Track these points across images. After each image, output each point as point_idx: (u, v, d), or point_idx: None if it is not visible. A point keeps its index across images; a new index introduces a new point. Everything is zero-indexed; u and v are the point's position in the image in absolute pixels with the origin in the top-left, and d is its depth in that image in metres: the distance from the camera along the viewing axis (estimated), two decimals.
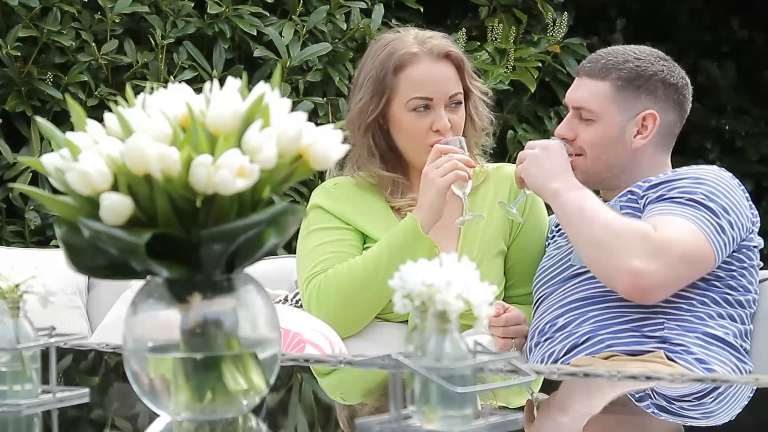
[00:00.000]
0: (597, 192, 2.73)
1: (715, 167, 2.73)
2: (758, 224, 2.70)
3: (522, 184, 2.73)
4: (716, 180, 2.65)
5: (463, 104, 2.85)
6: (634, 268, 2.51)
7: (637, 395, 1.97)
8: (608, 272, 2.56)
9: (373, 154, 2.86)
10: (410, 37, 2.85)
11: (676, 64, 2.79)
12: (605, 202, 2.70)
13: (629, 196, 2.70)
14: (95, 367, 2.39)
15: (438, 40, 2.85)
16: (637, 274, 2.52)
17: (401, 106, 2.81)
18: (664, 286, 2.56)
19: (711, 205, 2.59)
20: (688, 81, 2.80)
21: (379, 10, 4.37)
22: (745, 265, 2.66)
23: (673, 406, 1.95)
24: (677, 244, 2.54)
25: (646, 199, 2.66)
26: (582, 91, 2.76)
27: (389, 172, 2.86)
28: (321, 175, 4.10)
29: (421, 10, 4.51)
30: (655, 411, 1.91)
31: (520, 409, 1.87)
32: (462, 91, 2.84)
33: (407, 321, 2.80)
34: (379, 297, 2.74)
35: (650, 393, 1.97)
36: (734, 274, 2.65)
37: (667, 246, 2.53)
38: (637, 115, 2.73)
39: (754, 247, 2.69)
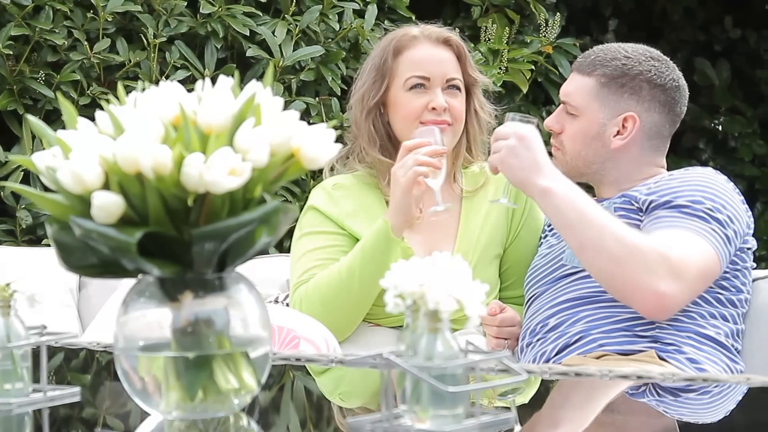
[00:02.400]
0: (585, 186, 2.71)
1: (710, 170, 2.71)
2: (752, 226, 2.71)
3: (497, 171, 2.67)
4: (718, 188, 2.63)
5: (462, 92, 2.86)
6: (660, 291, 2.49)
7: (631, 391, 1.97)
8: (627, 290, 2.53)
9: (374, 140, 2.87)
10: (413, 27, 2.93)
11: (672, 65, 2.77)
12: (599, 202, 2.68)
13: (624, 199, 2.69)
14: (86, 366, 2.39)
15: (439, 28, 2.92)
16: (663, 296, 2.50)
17: (399, 87, 2.85)
18: (683, 304, 2.57)
19: (719, 216, 2.58)
20: (681, 83, 2.77)
21: (372, 11, 4.37)
22: (739, 267, 2.66)
23: (668, 403, 1.95)
24: (694, 263, 2.53)
25: (650, 203, 2.64)
26: (570, 85, 2.78)
27: (387, 159, 2.86)
28: (314, 175, 4.10)
29: (413, 18, 4.51)
30: (651, 406, 1.91)
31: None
32: (461, 78, 2.86)
33: (401, 326, 2.79)
34: (357, 301, 2.74)
35: (645, 391, 1.97)
36: (728, 275, 2.65)
37: (685, 266, 2.52)
38: (618, 115, 2.72)
39: (748, 249, 2.69)
